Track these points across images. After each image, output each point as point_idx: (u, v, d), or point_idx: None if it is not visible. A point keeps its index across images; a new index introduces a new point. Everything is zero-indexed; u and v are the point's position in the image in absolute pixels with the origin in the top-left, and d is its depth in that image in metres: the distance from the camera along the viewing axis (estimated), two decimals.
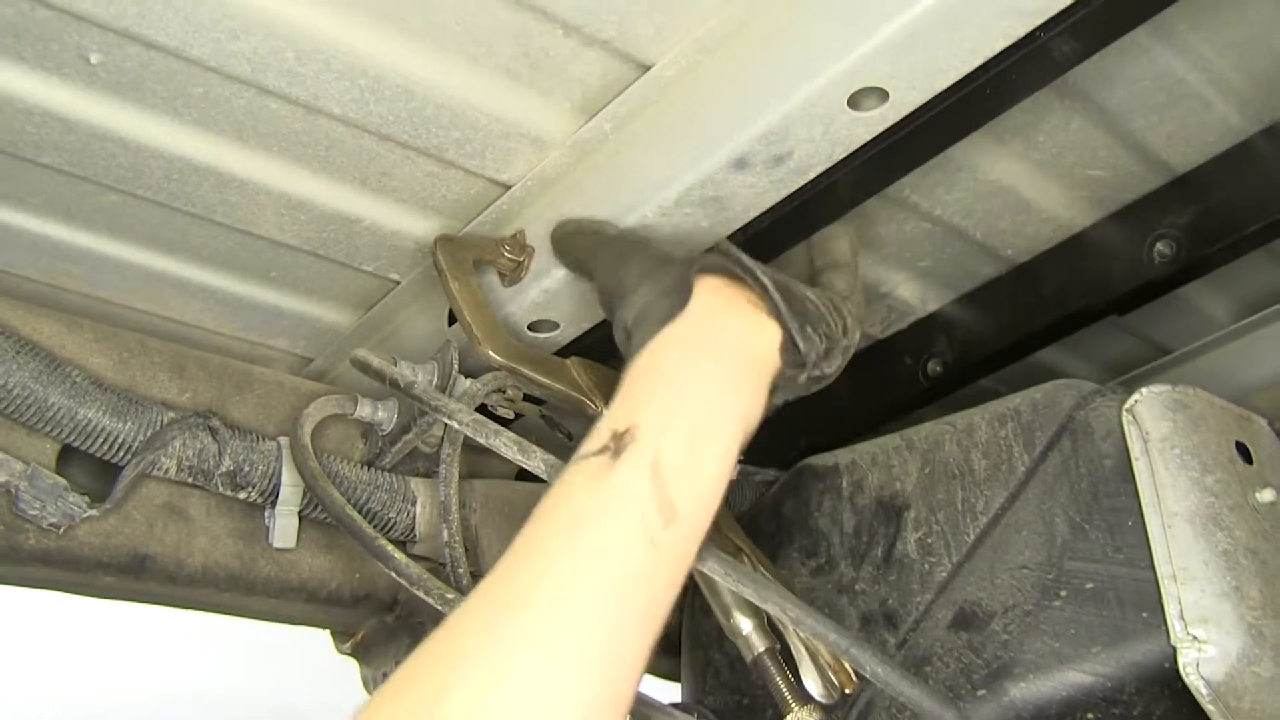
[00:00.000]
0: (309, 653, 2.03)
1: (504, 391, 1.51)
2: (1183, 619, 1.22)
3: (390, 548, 1.35)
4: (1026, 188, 1.63)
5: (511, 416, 1.59)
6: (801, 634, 1.37)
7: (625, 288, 1.28)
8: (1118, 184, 1.65)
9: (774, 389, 1.19)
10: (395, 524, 1.55)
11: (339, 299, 1.69)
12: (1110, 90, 1.50)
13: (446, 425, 1.48)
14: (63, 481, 1.40)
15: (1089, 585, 1.31)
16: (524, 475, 1.70)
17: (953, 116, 1.27)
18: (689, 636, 1.73)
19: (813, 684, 1.36)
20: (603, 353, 1.48)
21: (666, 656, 1.86)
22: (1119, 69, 1.47)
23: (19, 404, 1.35)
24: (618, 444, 1.01)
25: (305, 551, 1.58)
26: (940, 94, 1.21)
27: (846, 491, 1.60)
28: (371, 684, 1.77)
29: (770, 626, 1.40)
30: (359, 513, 1.45)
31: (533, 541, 0.97)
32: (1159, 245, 1.63)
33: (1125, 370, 2.09)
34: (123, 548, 1.44)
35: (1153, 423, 1.34)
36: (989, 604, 1.37)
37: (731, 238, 1.39)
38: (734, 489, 1.78)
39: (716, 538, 1.48)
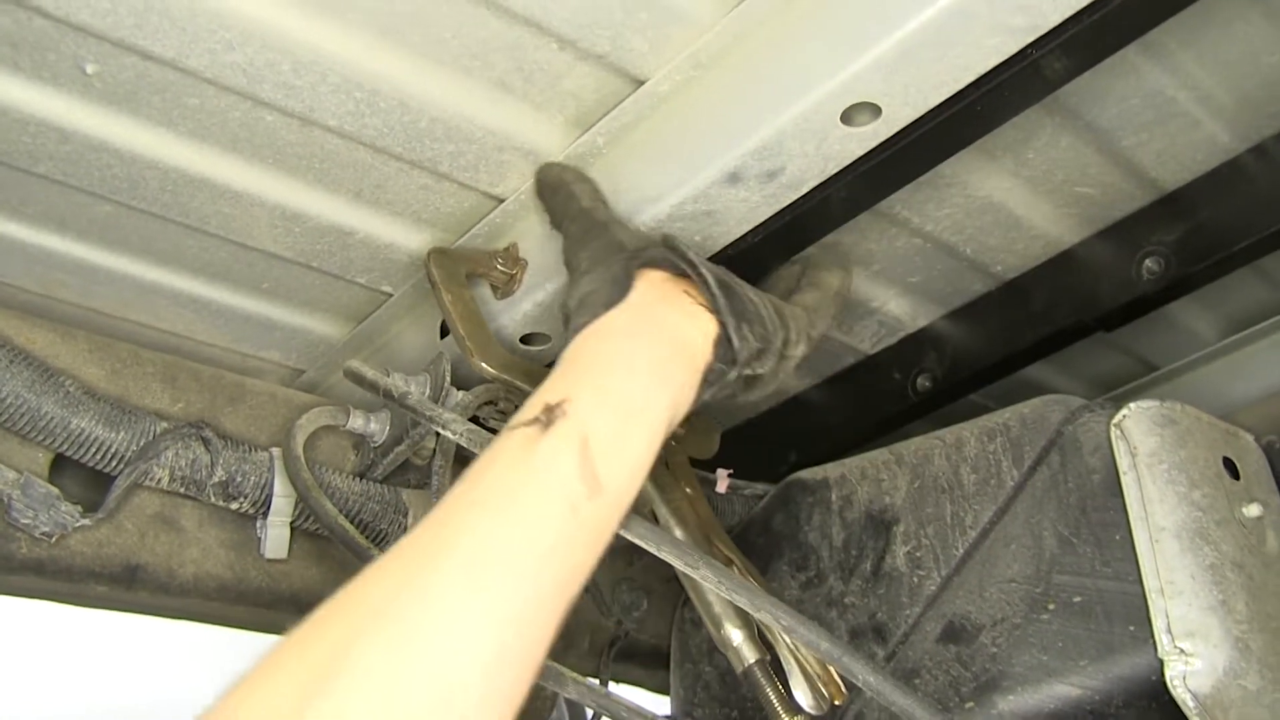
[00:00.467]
0: None
1: (496, 404, 1.51)
2: (1170, 632, 1.23)
3: None
4: (1016, 204, 1.64)
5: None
6: (792, 645, 1.37)
7: (576, 270, 1.29)
8: (1107, 201, 1.66)
9: (706, 382, 1.19)
10: (387, 535, 1.55)
11: (332, 311, 1.69)
12: (1100, 108, 1.51)
13: (439, 437, 1.49)
14: (55, 491, 1.40)
15: (1077, 599, 1.31)
16: None
17: (944, 133, 1.28)
18: (678, 650, 1.73)
19: (803, 695, 1.36)
20: None
21: (656, 669, 1.87)
22: (1109, 87, 1.48)
23: (12, 413, 1.35)
24: (549, 415, 1.02)
25: (297, 563, 1.58)
26: (932, 110, 1.22)
27: (836, 505, 1.61)
28: None
29: (760, 638, 1.40)
30: (351, 524, 1.45)
31: (459, 501, 0.97)
32: (1147, 262, 1.63)
33: (1113, 387, 2.09)
34: (114, 557, 1.44)
35: (1141, 438, 1.35)
36: (978, 617, 1.38)
37: (724, 251, 1.40)
38: (724, 503, 1.79)
39: (707, 549, 1.48)
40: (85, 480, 1.45)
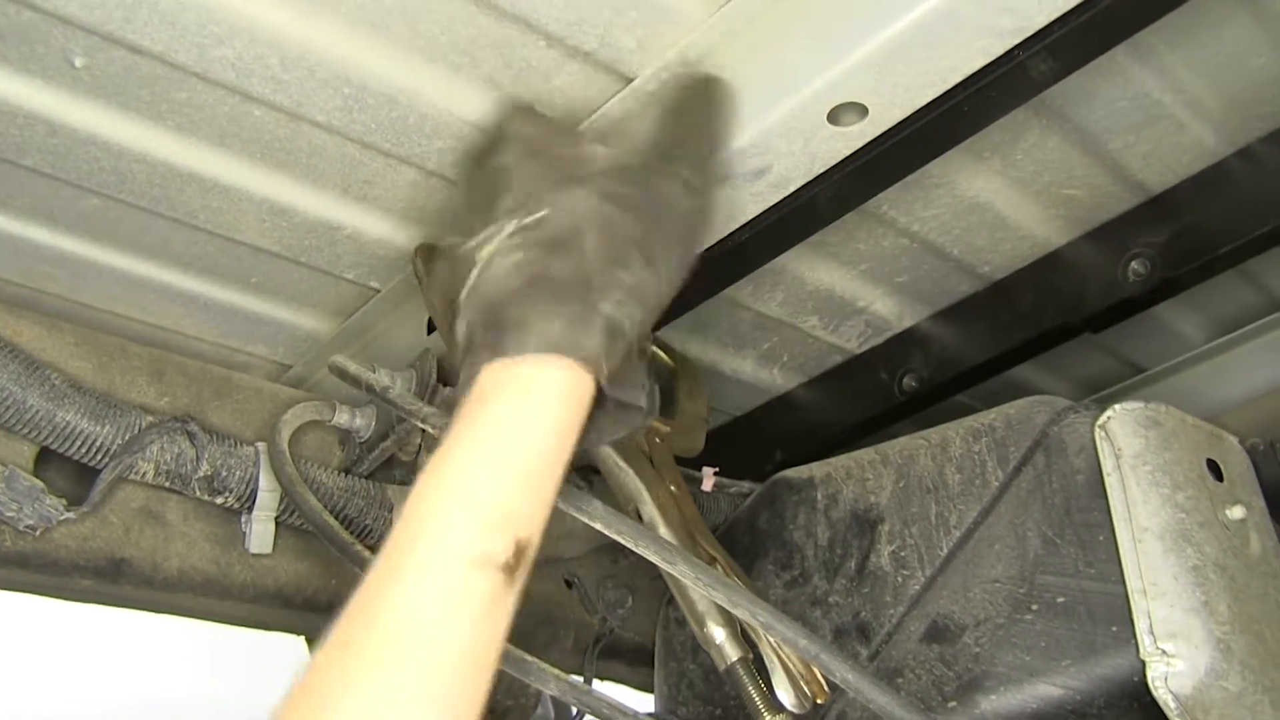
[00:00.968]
0: (285, 659, 2.03)
1: None
2: (1152, 633, 1.24)
3: (367, 554, 1.35)
4: (1004, 205, 1.65)
5: None
6: (773, 642, 1.37)
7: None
8: (1094, 203, 1.66)
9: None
10: (372, 531, 1.55)
11: (319, 306, 1.69)
12: (1088, 110, 1.51)
13: (424, 433, 1.49)
14: (40, 484, 1.40)
15: (1060, 599, 1.32)
16: None
17: (931, 133, 1.28)
18: (663, 648, 1.74)
19: (785, 693, 1.36)
20: None
21: (640, 667, 1.87)
22: (1096, 89, 1.48)
23: None
24: (518, 560, 0.97)
25: (281, 557, 1.58)
26: (919, 110, 1.23)
27: (821, 505, 1.61)
28: None
29: (743, 637, 1.41)
30: (336, 519, 1.45)
31: (407, 609, 0.93)
32: (1134, 264, 1.64)
33: (1099, 388, 2.10)
34: (99, 551, 1.45)
35: (1125, 439, 1.35)
36: (961, 617, 1.38)
37: (711, 250, 1.39)
38: (710, 501, 1.79)
39: (691, 548, 1.49)
40: (70, 474, 1.45)
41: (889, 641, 1.43)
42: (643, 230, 1.07)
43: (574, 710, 1.98)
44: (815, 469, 1.66)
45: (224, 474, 1.49)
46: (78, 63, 1.25)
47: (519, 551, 0.96)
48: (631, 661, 1.88)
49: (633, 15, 1.23)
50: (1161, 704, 1.22)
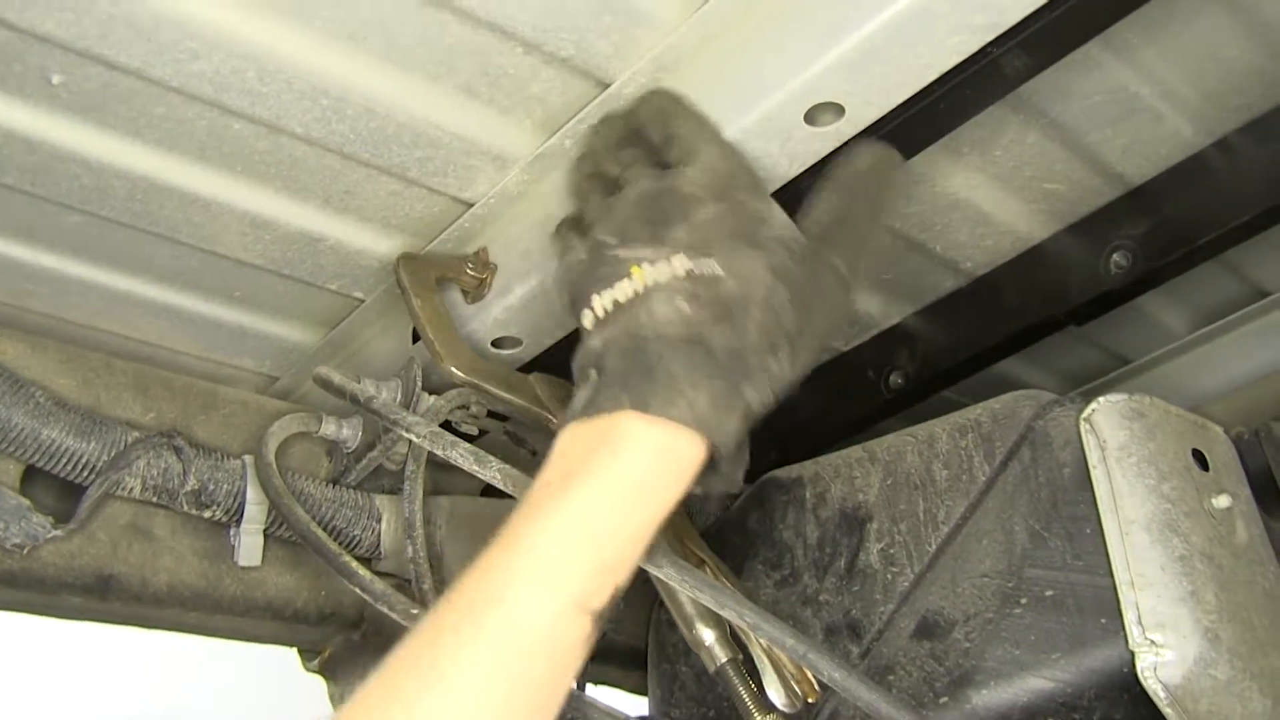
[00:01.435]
0: (278, 672, 2.03)
1: (468, 408, 1.52)
2: (1140, 624, 1.24)
3: (355, 565, 1.36)
4: (984, 201, 1.65)
5: (475, 433, 1.60)
6: (763, 643, 1.38)
7: None
8: (1074, 197, 1.67)
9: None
10: (360, 541, 1.55)
11: (303, 318, 1.69)
12: (1065, 104, 1.52)
13: (411, 442, 1.49)
14: (26, 502, 1.40)
15: (1049, 593, 1.32)
16: (489, 492, 1.70)
17: (908, 131, 1.28)
18: (655, 650, 1.74)
19: (776, 694, 1.37)
20: (565, 369, 1.48)
21: (633, 670, 1.87)
22: (1072, 83, 1.48)
23: None
24: (609, 608, 1.01)
25: (271, 570, 1.58)
26: (896, 109, 1.23)
27: (810, 503, 1.61)
28: (338, 701, 1.77)
29: (734, 638, 1.41)
30: (324, 530, 1.45)
31: (509, 637, 0.96)
32: (1115, 256, 1.64)
33: (1084, 381, 2.10)
34: (87, 568, 1.44)
35: (1110, 431, 1.35)
36: (951, 613, 1.38)
37: None
38: (698, 502, 1.79)
39: (680, 550, 1.49)
40: (57, 491, 1.45)
41: (880, 639, 1.44)
42: (797, 321, 1.10)
43: (567, 716, 1.99)
44: (804, 468, 1.66)
45: (211, 487, 1.49)
46: (55, 80, 1.25)
47: (612, 599, 1.00)
48: (624, 664, 1.88)
49: (608, 20, 1.23)
50: (1151, 694, 1.22)
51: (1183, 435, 1.40)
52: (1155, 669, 1.22)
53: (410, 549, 1.44)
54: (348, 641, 1.69)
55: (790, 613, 1.54)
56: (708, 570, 1.50)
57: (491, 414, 1.55)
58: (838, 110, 1.22)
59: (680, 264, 1.08)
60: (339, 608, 1.64)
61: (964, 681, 1.33)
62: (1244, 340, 1.90)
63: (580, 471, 1.02)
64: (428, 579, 1.43)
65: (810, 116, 1.22)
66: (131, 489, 1.44)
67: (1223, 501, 1.36)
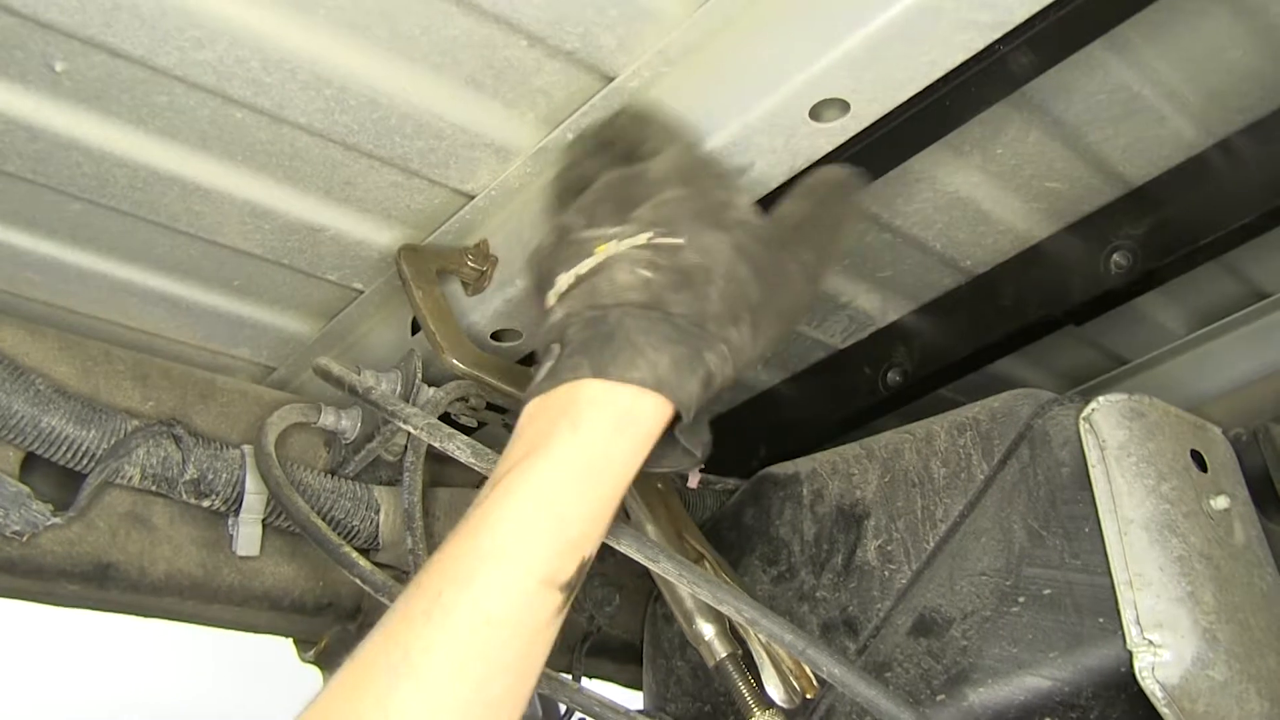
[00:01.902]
0: (272, 663, 2.03)
1: (467, 400, 1.52)
2: (1139, 624, 1.24)
3: (355, 555, 1.36)
4: (985, 199, 1.65)
5: (474, 425, 1.60)
6: (762, 638, 1.38)
7: None
8: (1075, 196, 1.67)
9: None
10: (358, 532, 1.55)
11: (302, 308, 1.69)
12: (1067, 103, 1.52)
13: (410, 434, 1.49)
14: (26, 489, 1.39)
15: (1047, 591, 1.32)
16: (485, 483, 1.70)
17: (913, 128, 1.28)
18: (650, 645, 1.74)
19: (774, 689, 1.37)
20: None
21: (628, 665, 1.87)
22: (1075, 82, 1.49)
23: None
24: (578, 579, 1.00)
25: (269, 560, 1.58)
26: (900, 106, 1.23)
27: (807, 500, 1.61)
28: None
29: (732, 633, 1.41)
30: (322, 520, 1.45)
31: (478, 618, 0.96)
32: (1115, 256, 1.64)
33: (1081, 380, 2.11)
34: (86, 556, 1.44)
35: (1109, 431, 1.36)
36: (948, 610, 1.38)
37: None
38: (695, 498, 1.79)
39: (678, 545, 1.49)
40: (56, 479, 1.45)
41: (876, 636, 1.44)
42: (760, 297, 1.10)
43: (562, 709, 1.99)
44: (801, 464, 1.66)
45: (210, 477, 1.48)
46: (58, 67, 1.25)
47: (579, 571, 1.00)
48: (619, 659, 1.88)
49: (613, 14, 1.23)
50: (1149, 694, 1.23)
51: (1182, 436, 1.40)
52: (1153, 669, 1.22)
53: (409, 540, 1.44)
54: (344, 632, 1.69)
55: (786, 609, 1.54)
56: (706, 565, 1.50)
57: (490, 406, 1.55)
58: (843, 106, 1.21)
59: (641, 237, 1.09)
60: (336, 598, 1.64)
61: (961, 679, 1.33)
62: (1242, 341, 1.90)
63: (541, 446, 1.01)
64: None
65: (815, 112, 1.22)
66: (131, 477, 1.44)
67: (1221, 502, 1.36)
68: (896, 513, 1.49)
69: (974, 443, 1.47)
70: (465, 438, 1.25)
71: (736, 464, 1.89)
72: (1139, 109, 1.54)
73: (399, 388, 1.50)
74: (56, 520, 1.41)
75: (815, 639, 1.16)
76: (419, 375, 1.49)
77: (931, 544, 1.44)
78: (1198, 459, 1.40)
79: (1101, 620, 1.27)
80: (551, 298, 1.13)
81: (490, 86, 1.32)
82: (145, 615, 1.56)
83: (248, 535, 1.52)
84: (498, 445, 1.28)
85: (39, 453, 1.40)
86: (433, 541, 1.53)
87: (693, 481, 1.74)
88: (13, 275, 1.55)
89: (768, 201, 1.22)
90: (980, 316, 1.79)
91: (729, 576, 1.52)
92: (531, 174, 1.43)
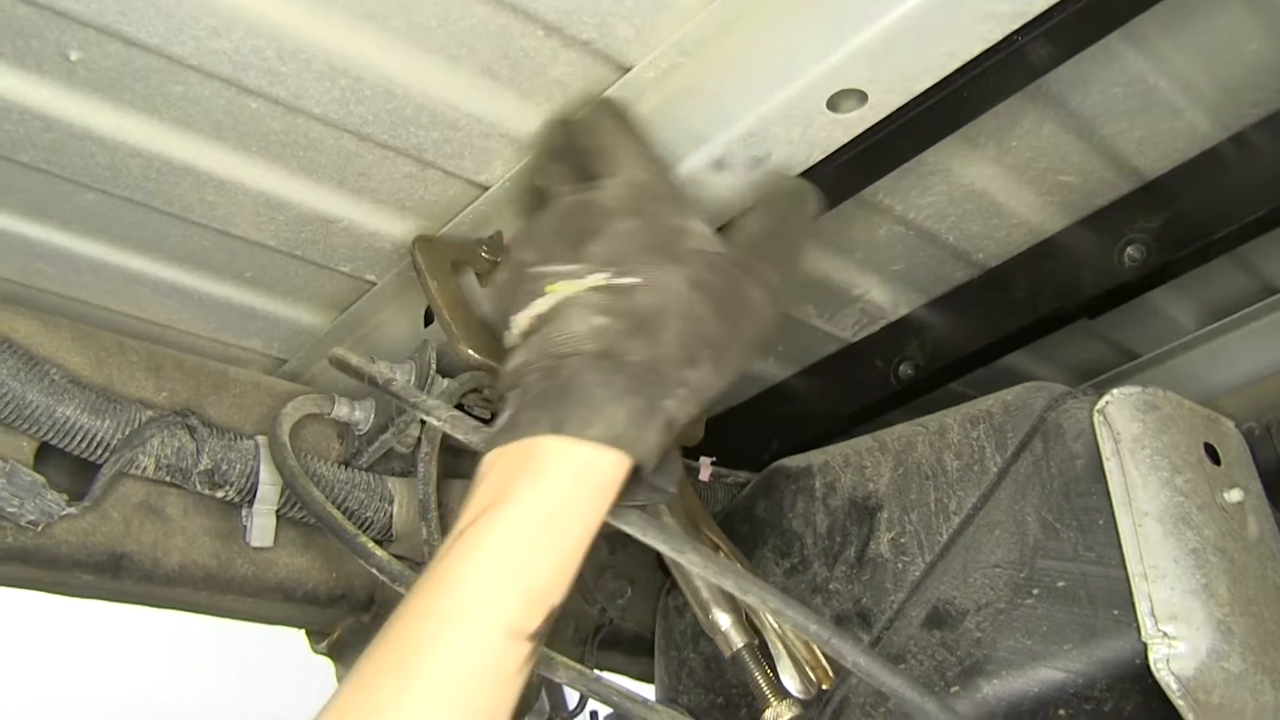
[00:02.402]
0: (284, 655, 2.03)
1: (481, 391, 1.52)
2: (1153, 616, 1.24)
3: (371, 545, 1.36)
4: (999, 192, 1.65)
5: (488, 417, 1.60)
6: (779, 630, 1.38)
7: None
8: (1089, 189, 1.67)
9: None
10: (372, 523, 1.55)
11: (314, 300, 1.69)
12: (1083, 96, 1.52)
13: (424, 425, 1.49)
14: (41, 479, 1.39)
15: (1061, 583, 1.32)
16: None
17: (930, 119, 1.28)
18: (663, 636, 1.74)
19: (790, 679, 1.37)
20: None
21: (639, 656, 1.87)
22: (1092, 75, 1.49)
23: None
24: (544, 628, 1.01)
25: (282, 551, 1.57)
26: (917, 97, 1.23)
27: (819, 492, 1.61)
28: None
29: (748, 623, 1.41)
30: (337, 511, 1.45)
31: (446, 674, 0.96)
32: (1129, 250, 1.64)
33: (1092, 374, 2.11)
34: (100, 546, 1.44)
35: (1124, 424, 1.36)
36: (962, 602, 1.39)
37: None
38: (707, 491, 1.79)
39: (693, 534, 1.49)
40: (71, 469, 1.45)
41: (890, 628, 1.44)
42: (720, 332, 1.10)
43: (572, 703, 1.99)
44: (813, 457, 1.66)
45: (224, 468, 1.48)
46: (73, 56, 1.25)
47: (547, 619, 1.00)
48: (631, 651, 1.88)
49: (630, 4, 1.23)
50: (1163, 686, 1.23)
51: (1195, 429, 1.40)
52: (1168, 661, 1.23)
53: (425, 531, 1.44)
54: (357, 624, 1.69)
55: (800, 601, 1.54)
56: (722, 555, 1.50)
57: (504, 397, 1.54)
58: (860, 97, 1.21)
59: (596, 278, 1.08)
60: (350, 590, 1.64)
61: (975, 671, 1.33)
62: (1254, 336, 1.90)
63: (500, 501, 1.01)
64: None
65: (833, 103, 1.22)
66: (145, 468, 1.44)
67: (1234, 495, 1.37)
68: (910, 505, 1.50)
69: (987, 435, 1.47)
70: (488, 430, 1.25)
71: (748, 457, 1.89)
72: (1155, 102, 1.54)
73: (413, 378, 1.50)
74: (71, 510, 1.40)
75: (838, 629, 1.16)
76: (433, 366, 1.49)
77: (945, 536, 1.44)
78: (1211, 452, 1.40)
79: (1116, 612, 1.28)
80: (512, 337, 1.14)
81: (506, 77, 1.32)
82: (159, 606, 1.57)
83: (261, 526, 1.52)
84: None
85: (54, 443, 1.40)
86: (446, 533, 1.53)
87: (704, 475, 1.75)
88: (26, 266, 1.55)
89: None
90: (993, 310, 1.79)
91: (745, 566, 1.53)
92: None
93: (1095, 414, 1.38)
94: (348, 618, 1.70)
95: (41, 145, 1.36)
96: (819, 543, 1.58)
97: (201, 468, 1.47)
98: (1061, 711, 1.29)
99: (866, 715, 1.40)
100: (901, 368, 1.88)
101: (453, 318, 1.42)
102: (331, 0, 1.20)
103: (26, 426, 1.37)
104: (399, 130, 1.37)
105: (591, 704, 1.71)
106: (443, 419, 1.26)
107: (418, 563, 1.50)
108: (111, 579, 1.46)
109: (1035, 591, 1.34)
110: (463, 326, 1.43)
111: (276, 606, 1.61)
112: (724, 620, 1.40)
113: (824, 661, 1.39)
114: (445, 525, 1.51)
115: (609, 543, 1.84)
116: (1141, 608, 1.25)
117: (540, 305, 1.10)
